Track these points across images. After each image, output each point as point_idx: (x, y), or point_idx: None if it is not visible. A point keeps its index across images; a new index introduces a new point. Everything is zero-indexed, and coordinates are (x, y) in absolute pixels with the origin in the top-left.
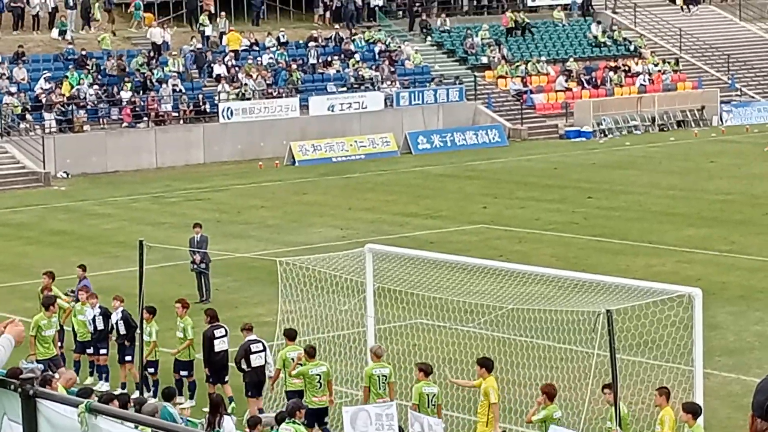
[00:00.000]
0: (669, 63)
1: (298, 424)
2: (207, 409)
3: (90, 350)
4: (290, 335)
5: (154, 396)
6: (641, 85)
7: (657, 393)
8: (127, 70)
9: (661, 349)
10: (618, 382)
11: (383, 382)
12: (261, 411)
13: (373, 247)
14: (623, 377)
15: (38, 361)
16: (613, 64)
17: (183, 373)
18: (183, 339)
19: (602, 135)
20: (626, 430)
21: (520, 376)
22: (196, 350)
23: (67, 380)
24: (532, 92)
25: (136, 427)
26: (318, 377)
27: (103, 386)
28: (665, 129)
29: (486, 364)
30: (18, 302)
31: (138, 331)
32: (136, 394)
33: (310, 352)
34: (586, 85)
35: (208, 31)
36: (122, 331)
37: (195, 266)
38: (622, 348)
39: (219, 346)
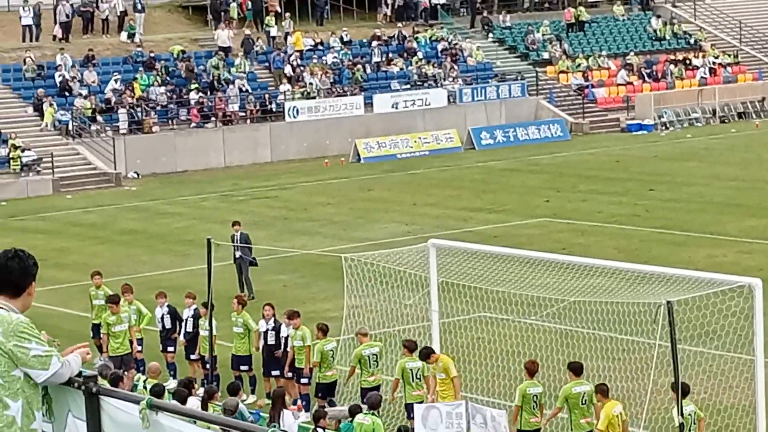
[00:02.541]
0: (729, 55)
1: (377, 416)
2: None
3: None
4: (410, 347)
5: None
6: (702, 77)
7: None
8: (195, 71)
9: (722, 339)
10: (679, 372)
11: (417, 376)
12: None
13: (437, 242)
14: (685, 368)
15: (110, 358)
16: (673, 57)
17: (243, 368)
18: (242, 335)
19: (663, 128)
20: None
21: (584, 368)
22: (253, 344)
23: (153, 372)
24: (593, 86)
25: (196, 423)
26: (331, 353)
27: (171, 383)
28: (726, 121)
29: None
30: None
31: (208, 326)
32: (201, 390)
33: (324, 329)
34: (646, 78)
35: (273, 31)
36: (189, 328)
37: (248, 262)
38: (683, 339)
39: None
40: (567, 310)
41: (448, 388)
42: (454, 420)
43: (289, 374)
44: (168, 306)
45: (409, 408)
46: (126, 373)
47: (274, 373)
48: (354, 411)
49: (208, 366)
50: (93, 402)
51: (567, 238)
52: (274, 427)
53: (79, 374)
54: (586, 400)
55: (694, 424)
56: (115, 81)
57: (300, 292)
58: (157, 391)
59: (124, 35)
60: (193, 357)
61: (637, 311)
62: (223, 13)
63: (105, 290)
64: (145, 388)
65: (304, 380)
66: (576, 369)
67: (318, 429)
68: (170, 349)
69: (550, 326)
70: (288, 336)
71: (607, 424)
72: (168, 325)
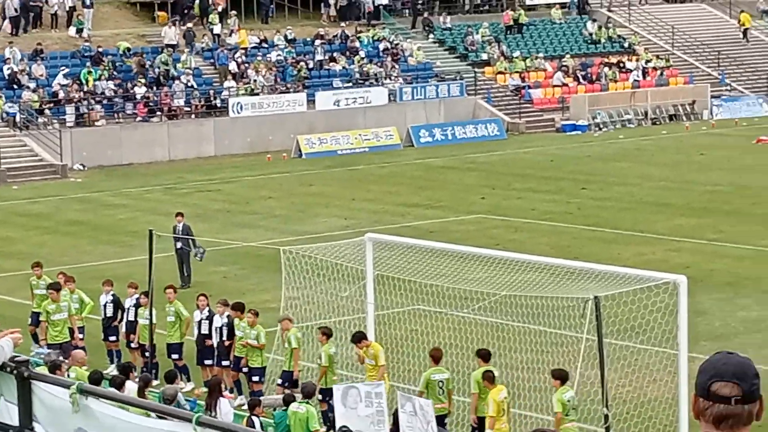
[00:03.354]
0: (662, 59)
1: (311, 405)
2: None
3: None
4: (436, 357)
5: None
6: (635, 80)
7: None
8: (147, 66)
9: (647, 334)
10: (605, 365)
11: (441, 387)
12: (261, 393)
13: (373, 236)
14: (611, 361)
15: (49, 346)
16: (607, 60)
17: (174, 356)
18: (173, 323)
19: (597, 128)
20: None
21: (514, 360)
22: (184, 332)
23: (78, 360)
24: (530, 87)
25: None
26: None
27: (112, 370)
28: (657, 123)
29: (359, 336)
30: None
31: (148, 315)
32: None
33: (328, 333)
34: (581, 80)
35: (217, 29)
36: (131, 317)
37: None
38: (610, 333)
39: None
40: (499, 304)
41: (375, 374)
42: (374, 399)
43: (225, 362)
44: (113, 294)
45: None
46: (66, 360)
47: (207, 362)
48: (288, 400)
49: (147, 354)
50: (25, 386)
51: (501, 235)
52: (209, 414)
53: (12, 359)
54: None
55: (573, 409)
56: (63, 75)
57: (240, 284)
58: (95, 378)
59: (72, 30)
60: (133, 345)
61: (566, 306)
62: (171, 6)
63: (46, 280)
64: (68, 376)
65: (245, 370)
66: (436, 357)
67: (253, 417)
68: (112, 337)
69: (483, 319)
70: (222, 325)
71: (497, 410)
72: (110, 313)
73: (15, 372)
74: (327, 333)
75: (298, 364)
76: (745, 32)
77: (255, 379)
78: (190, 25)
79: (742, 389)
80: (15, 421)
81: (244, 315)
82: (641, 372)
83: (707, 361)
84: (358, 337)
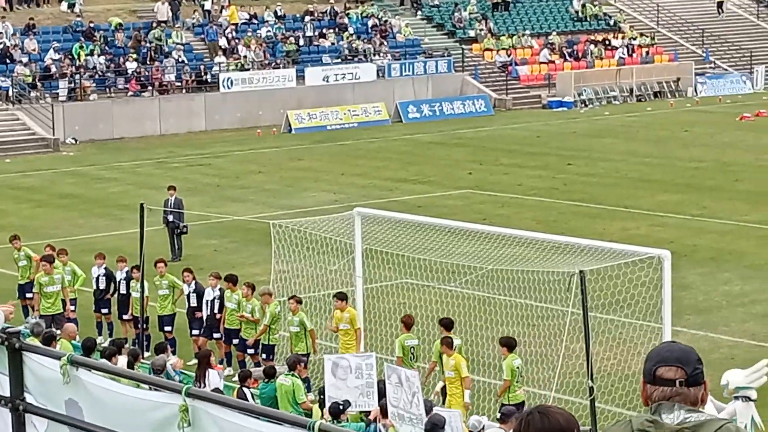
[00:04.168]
0: (647, 36)
1: (297, 377)
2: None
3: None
4: (408, 323)
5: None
6: (620, 57)
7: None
8: (143, 41)
9: (632, 308)
10: (590, 339)
11: (413, 353)
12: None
13: (362, 210)
14: (595, 334)
15: (41, 317)
16: (593, 37)
17: (167, 328)
18: (166, 296)
19: (583, 105)
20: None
21: (501, 333)
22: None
23: (69, 334)
24: (516, 64)
25: (117, 380)
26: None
27: (105, 342)
28: (642, 99)
29: (343, 297)
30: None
31: (140, 288)
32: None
33: (299, 301)
34: (567, 57)
35: (208, 5)
36: (122, 290)
37: (179, 229)
38: (595, 306)
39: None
40: (486, 278)
41: (349, 339)
42: (364, 371)
43: (217, 335)
44: (105, 267)
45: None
46: (59, 331)
47: (194, 332)
48: (269, 372)
49: (139, 326)
50: (16, 357)
51: (488, 209)
52: (198, 385)
53: (3, 330)
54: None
55: (521, 377)
56: (55, 50)
57: (230, 257)
58: (88, 346)
59: (64, 5)
60: (125, 317)
61: (552, 280)
62: None
63: (26, 251)
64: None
65: (235, 341)
66: (408, 323)
67: (244, 388)
68: (104, 310)
69: (470, 293)
70: (214, 298)
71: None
72: (102, 286)
73: (6, 343)
74: (299, 301)
75: (262, 335)
76: (720, 5)
77: (250, 352)
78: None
79: (685, 372)
80: (6, 391)
81: (237, 287)
82: (626, 345)
83: (653, 350)
84: (342, 296)
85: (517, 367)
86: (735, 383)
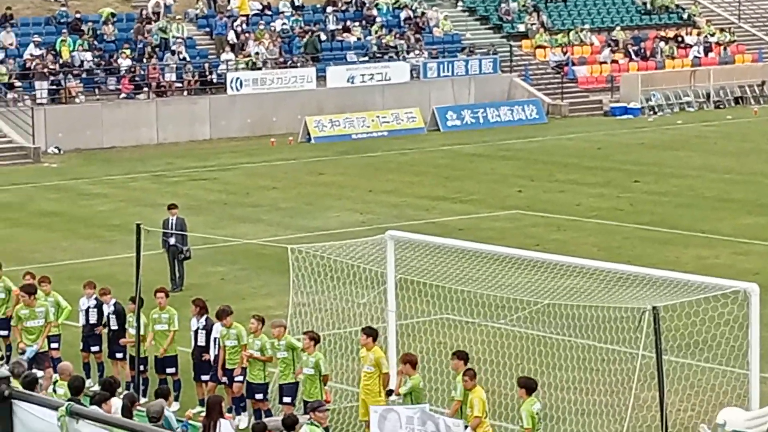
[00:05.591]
0: (726, 33)
1: (316, 425)
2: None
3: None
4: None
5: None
6: (695, 57)
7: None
8: (146, 34)
9: (713, 350)
10: (664, 386)
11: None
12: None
13: (395, 234)
14: (670, 381)
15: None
16: (663, 33)
17: (169, 370)
18: (167, 332)
19: (651, 112)
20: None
21: (557, 379)
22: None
23: (68, 375)
24: (573, 64)
25: None
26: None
27: (95, 386)
28: (721, 106)
29: (371, 333)
30: None
31: (135, 323)
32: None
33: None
34: (633, 56)
35: None
36: (113, 326)
37: (182, 254)
38: (669, 349)
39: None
40: (540, 314)
41: (371, 383)
42: (416, 426)
43: (224, 378)
44: (96, 298)
45: None
46: (43, 373)
47: (203, 377)
48: (289, 423)
49: (138, 368)
50: (4, 407)
51: (541, 233)
52: None
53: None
54: None
55: (541, 422)
56: (35, 44)
57: (240, 287)
58: (77, 386)
59: None
60: (118, 356)
61: (619, 317)
62: None
63: (5, 282)
64: (55, 391)
65: (238, 379)
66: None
67: None
68: (94, 348)
69: (522, 331)
70: (219, 337)
71: (482, 409)
72: (93, 320)
73: None
74: (314, 338)
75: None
76: None
77: (258, 396)
78: None
79: None
80: None
81: (229, 320)
82: (706, 395)
83: None
84: (370, 332)
85: (537, 413)
86: (733, 425)
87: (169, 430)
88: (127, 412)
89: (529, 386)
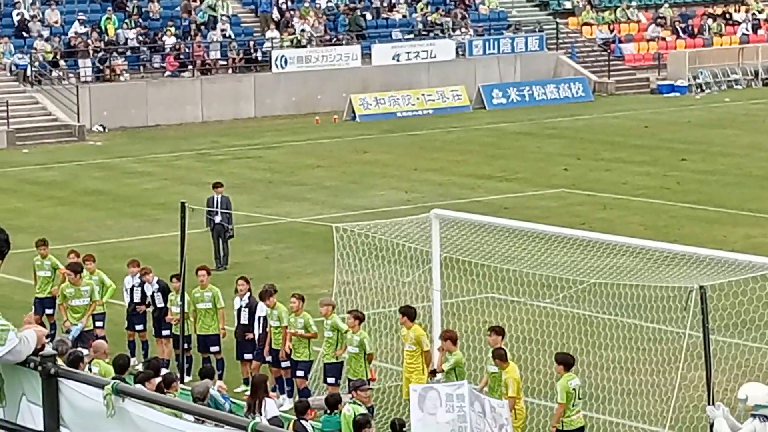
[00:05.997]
0: None
1: (359, 404)
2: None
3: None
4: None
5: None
6: (743, 34)
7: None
8: (193, 12)
9: (761, 330)
10: (711, 366)
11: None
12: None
13: (441, 212)
14: (717, 361)
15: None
16: (711, 10)
17: (213, 348)
18: (210, 311)
19: (699, 90)
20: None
21: (603, 359)
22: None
23: (103, 352)
24: (620, 41)
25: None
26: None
27: (139, 365)
28: None
29: (408, 313)
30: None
31: (180, 302)
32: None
33: (359, 317)
34: (681, 34)
35: None
36: (159, 303)
37: (228, 232)
38: (717, 328)
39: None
40: (586, 293)
41: (416, 361)
42: (455, 402)
43: (268, 358)
44: (141, 277)
45: None
46: (87, 351)
47: (246, 356)
48: (332, 401)
49: (182, 346)
50: (51, 385)
51: (587, 212)
52: (253, 418)
53: (35, 353)
54: None
55: (579, 398)
56: (80, 22)
57: (284, 266)
58: (121, 364)
59: None
60: (164, 333)
61: (665, 296)
62: None
63: (53, 260)
64: (90, 369)
65: (285, 364)
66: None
67: (302, 421)
68: (138, 326)
69: (567, 311)
70: (265, 316)
71: (517, 389)
72: (137, 298)
73: (40, 368)
74: (359, 317)
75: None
76: None
77: (300, 374)
78: None
79: None
80: (39, 424)
81: (273, 300)
82: (754, 374)
83: None
84: (407, 311)
85: (574, 389)
86: (756, 399)
87: (216, 408)
88: (159, 392)
89: (566, 362)
